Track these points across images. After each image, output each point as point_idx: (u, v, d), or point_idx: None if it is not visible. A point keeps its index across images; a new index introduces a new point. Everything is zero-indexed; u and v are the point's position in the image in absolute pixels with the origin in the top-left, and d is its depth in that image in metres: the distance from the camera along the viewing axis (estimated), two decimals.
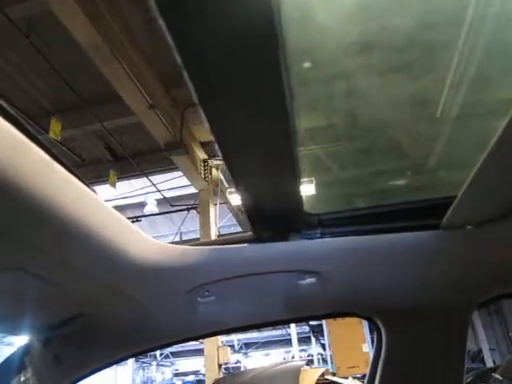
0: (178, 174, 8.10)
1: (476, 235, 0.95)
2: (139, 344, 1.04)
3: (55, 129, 5.61)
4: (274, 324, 1.07)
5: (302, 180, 0.86)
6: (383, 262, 0.97)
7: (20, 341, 1.15)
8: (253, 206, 0.93)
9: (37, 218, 0.59)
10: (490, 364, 11.14)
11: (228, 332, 1.09)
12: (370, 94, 0.88)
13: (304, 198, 0.94)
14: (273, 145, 0.77)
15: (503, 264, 0.95)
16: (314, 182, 0.94)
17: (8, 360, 1.17)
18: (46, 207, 0.58)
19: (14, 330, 1.11)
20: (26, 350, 1.11)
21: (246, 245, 1.01)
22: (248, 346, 23.24)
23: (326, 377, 4.61)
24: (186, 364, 23.59)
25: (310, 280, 0.96)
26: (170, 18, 0.54)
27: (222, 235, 9.33)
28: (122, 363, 17.26)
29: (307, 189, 0.97)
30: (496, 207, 0.88)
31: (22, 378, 1.09)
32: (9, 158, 0.51)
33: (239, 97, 0.66)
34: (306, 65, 0.78)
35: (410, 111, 0.89)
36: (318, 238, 1.02)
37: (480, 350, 11.81)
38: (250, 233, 1.05)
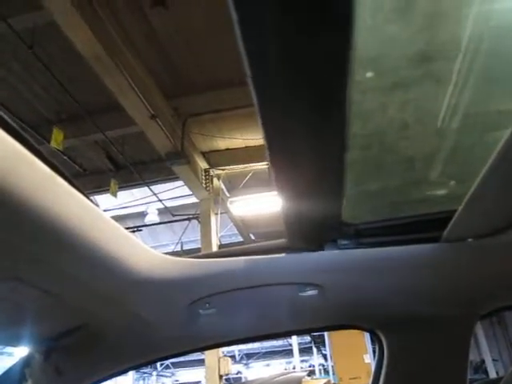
0: (180, 183, 8.12)
1: (477, 248, 0.95)
2: (140, 356, 1.03)
3: (57, 138, 5.63)
4: (275, 336, 1.06)
5: (345, 189, 0.85)
6: (384, 274, 0.97)
7: (20, 352, 1.15)
8: (292, 213, 0.92)
9: (37, 230, 0.60)
10: (493, 375, 11.04)
11: (229, 344, 1.08)
12: (423, 105, 0.87)
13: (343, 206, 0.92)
14: (325, 152, 0.76)
15: (505, 276, 0.95)
16: (354, 190, 0.92)
17: (8, 372, 1.16)
18: (46, 219, 0.58)
19: (13, 342, 1.10)
20: (26, 362, 1.11)
21: (246, 257, 1.01)
22: (249, 356, 23.10)
23: None
24: (186, 374, 23.42)
25: (312, 292, 0.96)
26: (243, 13, 0.53)
27: (224, 245, 9.31)
28: None
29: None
30: (497, 220, 0.88)
31: None
32: (9, 169, 0.51)
33: (299, 100, 0.66)
34: (368, 74, 0.78)
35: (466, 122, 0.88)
36: (354, 248, 1.00)
37: (483, 361, 11.71)
38: (283, 240, 1.03)
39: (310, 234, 1.00)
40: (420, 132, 0.94)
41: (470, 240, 0.95)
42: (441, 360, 0.96)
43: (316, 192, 0.87)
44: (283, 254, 1.01)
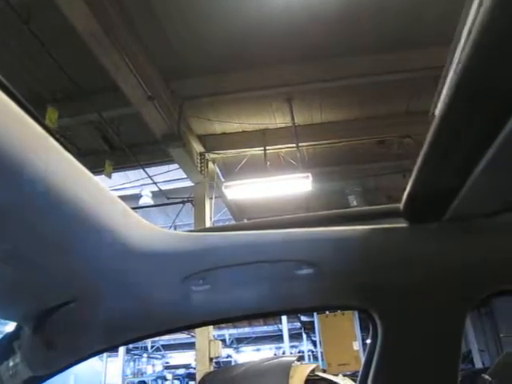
0: (175, 166, 8.09)
1: (476, 230, 0.95)
2: (132, 332, 1.02)
3: (51, 117, 5.57)
4: (268, 315, 1.06)
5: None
6: (382, 253, 0.96)
7: (10, 325, 1.14)
8: (420, 180, 0.87)
9: (30, 196, 0.58)
10: (479, 365, 11.22)
11: (222, 322, 1.07)
12: None
13: None
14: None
15: (502, 259, 0.94)
16: None
17: None
18: (40, 185, 0.56)
19: (4, 316, 1.09)
20: (15, 335, 1.10)
21: (242, 232, 0.99)
22: (239, 340, 23.32)
23: (317, 373, 4.62)
24: (176, 357, 23.66)
25: (307, 271, 0.95)
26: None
27: None
28: (112, 354, 17.27)
29: None
30: (496, 201, 0.88)
31: (11, 364, 1.08)
32: (5, 130, 0.49)
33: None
34: None
35: None
36: (469, 221, 0.96)
37: (469, 351, 11.89)
38: (397, 206, 0.98)
39: (429, 203, 0.95)
40: None
41: (470, 220, 0.94)
42: (434, 344, 0.95)
43: (461, 163, 0.82)
44: (280, 230, 0.99)
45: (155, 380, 19.96)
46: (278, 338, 19.85)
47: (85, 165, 0.61)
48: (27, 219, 0.63)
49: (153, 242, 0.87)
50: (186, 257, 0.93)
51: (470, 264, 0.95)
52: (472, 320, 11.88)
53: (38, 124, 0.54)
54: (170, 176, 9.03)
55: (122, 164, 8.02)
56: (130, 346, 18.40)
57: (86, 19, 4.60)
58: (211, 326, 7.25)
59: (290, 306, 1.02)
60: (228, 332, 21.96)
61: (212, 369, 6.98)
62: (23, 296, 0.95)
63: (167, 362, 23.69)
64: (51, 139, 0.57)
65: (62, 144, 0.59)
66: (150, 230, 0.87)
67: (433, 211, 0.95)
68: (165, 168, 8.60)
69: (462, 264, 0.95)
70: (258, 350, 23.86)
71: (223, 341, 20.02)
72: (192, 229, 1.13)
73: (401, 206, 0.96)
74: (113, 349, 1.07)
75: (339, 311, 9.78)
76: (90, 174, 0.67)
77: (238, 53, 6.09)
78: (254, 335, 22.53)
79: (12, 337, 1.11)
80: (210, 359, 6.97)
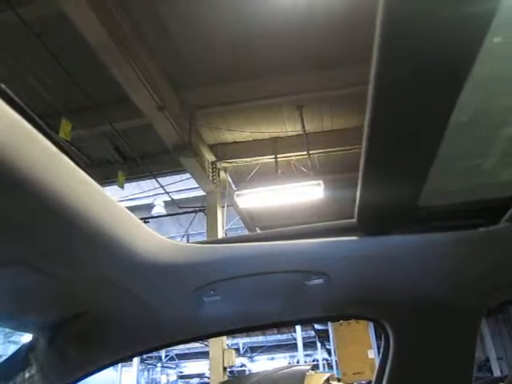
0: (186, 176, 8.13)
1: (491, 236, 0.94)
2: (144, 342, 1.03)
3: (65, 129, 5.64)
4: (279, 325, 1.06)
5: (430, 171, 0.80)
6: (392, 263, 0.96)
7: (25, 337, 1.15)
8: (368, 194, 0.87)
9: (43, 210, 0.59)
10: (497, 373, 11.02)
11: (234, 332, 1.08)
12: None
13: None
14: (424, 136, 0.73)
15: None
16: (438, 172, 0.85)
17: (13, 357, 1.17)
18: (52, 199, 0.57)
19: (19, 327, 1.10)
20: (31, 346, 1.11)
21: (253, 244, 1.00)
22: (253, 349, 23.19)
23: (331, 382, 4.57)
24: (190, 366, 23.59)
25: (318, 281, 0.95)
26: None
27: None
28: (127, 364, 17.29)
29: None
30: None
31: (27, 375, 1.09)
32: (16, 146, 0.50)
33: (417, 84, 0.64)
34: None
35: None
36: (425, 232, 0.96)
37: (487, 359, 11.68)
38: (353, 221, 0.99)
39: (382, 215, 0.95)
40: None
41: (481, 229, 0.93)
42: (447, 353, 0.95)
43: (400, 173, 0.82)
44: (290, 241, 0.99)
45: None
46: (292, 346, 19.70)
47: (98, 175, 0.62)
48: (40, 233, 0.64)
49: (164, 253, 0.87)
50: (196, 268, 0.94)
51: (483, 271, 0.94)
52: (490, 327, 11.69)
53: (49, 140, 0.55)
54: (182, 185, 9.07)
55: (135, 174, 8.09)
56: (144, 355, 18.42)
57: (98, 32, 4.67)
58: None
59: (301, 316, 1.02)
60: (242, 341, 21.86)
61: (226, 378, 6.95)
62: (38, 308, 0.96)
63: (181, 372, 23.64)
64: (62, 155, 0.58)
65: (72, 158, 0.61)
66: (160, 242, 0.88)
67: (387, 220, 0.95)
68: (177, 178, 8.65)
69: (475, 272, 0.94)
70: (272, 358, 23.69)
71: (237, 350, 19.95)
72: (204, 239, 1.14)
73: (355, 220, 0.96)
74: (125, 360, 1.08)
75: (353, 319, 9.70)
76: (101, 188, 0.68)
77: (247, 62, 6.13)
78: (268, 344, 22.38)
79: (28, 348, 1.12)
80: (224, 368, 6.94)
